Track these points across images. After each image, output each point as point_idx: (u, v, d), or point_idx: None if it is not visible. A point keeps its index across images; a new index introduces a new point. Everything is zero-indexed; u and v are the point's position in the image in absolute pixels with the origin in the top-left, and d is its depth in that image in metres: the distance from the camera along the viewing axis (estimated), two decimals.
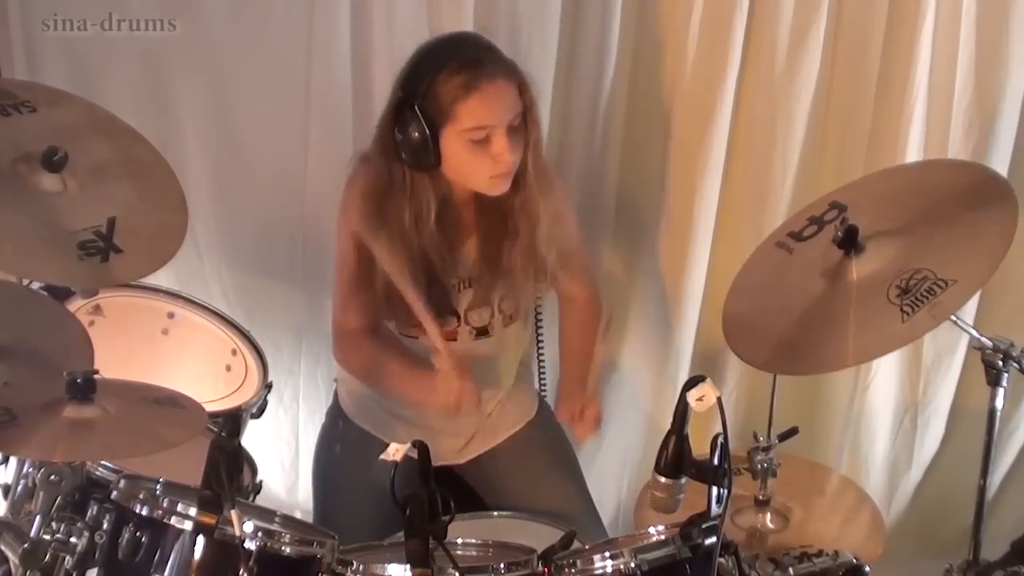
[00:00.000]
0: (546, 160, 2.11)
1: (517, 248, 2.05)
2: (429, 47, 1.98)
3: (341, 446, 2.25)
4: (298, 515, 2.04)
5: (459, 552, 1.65)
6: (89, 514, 1.66)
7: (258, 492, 2.12)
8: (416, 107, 1.90)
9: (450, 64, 1.90)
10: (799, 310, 1.86)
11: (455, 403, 1.98)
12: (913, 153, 2.43)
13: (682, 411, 1.50)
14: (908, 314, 1.75)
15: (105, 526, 1.64)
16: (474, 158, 1.93)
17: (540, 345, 2.35)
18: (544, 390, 2.40)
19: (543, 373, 2.38)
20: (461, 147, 1.92)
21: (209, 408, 1.78)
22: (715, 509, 1.48)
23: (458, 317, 2.11)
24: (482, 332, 2.15)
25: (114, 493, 1.60)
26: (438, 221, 2.00)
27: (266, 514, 1.68)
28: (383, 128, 1.99)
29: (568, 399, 2.33)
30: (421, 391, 2.06)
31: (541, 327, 2.33)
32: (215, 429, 1.51)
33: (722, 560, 1.56)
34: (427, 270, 2.03)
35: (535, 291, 2.20)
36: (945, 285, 1.75)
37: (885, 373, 2.65)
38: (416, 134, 1.91)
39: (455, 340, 2.12)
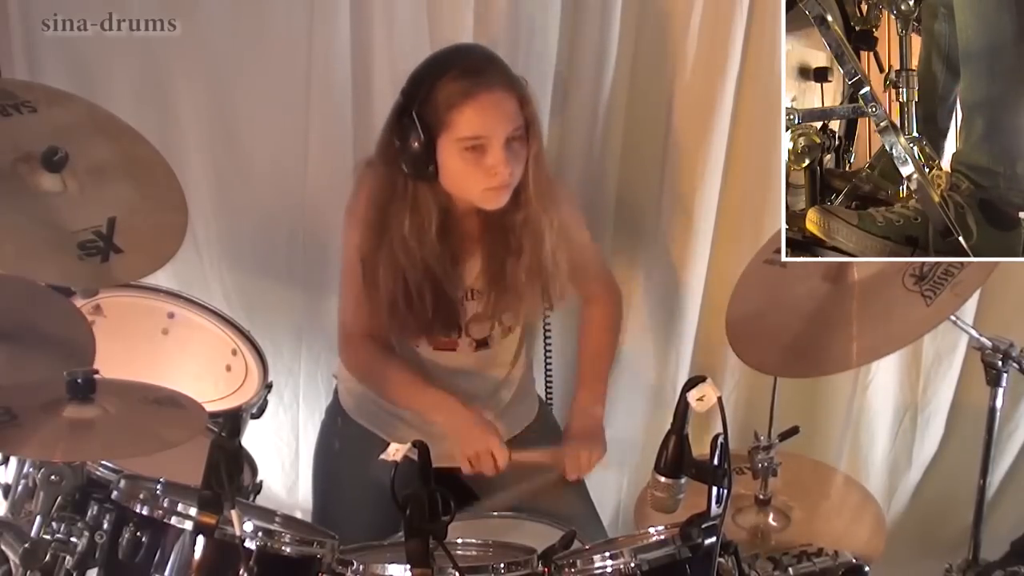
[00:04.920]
0: (550, 172, 2.09)
1: (521, 265, 2.03)
2: (434, 55, 1.99)
3: (340, 443, 2.25)
4: (298, 515, 2.04)
5: (459, 552, 1.65)
6: (89, 514, 1.66)
7: (258, 492, 2.12)
8: (415, 114, 1.90)
9: (451, 71, 1.90)
10: (806, 314, 1.86)
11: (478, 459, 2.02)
12: None
13: (682, 411, 1.50)
14: (931, 298, 1.76)
15: (105, 526, 1.63)
16: (469, 168, 1.91)
17: (548, 356, 2.34)
18: (551, 403, 2.40)
19: (550, 384, 2.38)
20: (456, 156, 1.91)
21: (209, 408, 1.78)
22: (715, 509, 1.48)
23: (459, 329, 2.10)
24: (482, 344, 2.14)
25: (114, 493, 1.60)
26: (440, 233, 1.99)
27: (266, 514, 1.68)
28: (385, 135, 1.99)
29: (577, 432, 2.18)
30: (423, 405, 2.08)
31: (550, 338, 2.32)
32: (215, 429, 1.51)
33: (722, 560, 1.56)
34: (432, 283, 2.01)
35: (543, 306, 2.16)
36: (961, 264, 1.75)
37: (885, 373, 2.65)
38: (414, 142, 1.90)
39: (454, 350, 2.12)
